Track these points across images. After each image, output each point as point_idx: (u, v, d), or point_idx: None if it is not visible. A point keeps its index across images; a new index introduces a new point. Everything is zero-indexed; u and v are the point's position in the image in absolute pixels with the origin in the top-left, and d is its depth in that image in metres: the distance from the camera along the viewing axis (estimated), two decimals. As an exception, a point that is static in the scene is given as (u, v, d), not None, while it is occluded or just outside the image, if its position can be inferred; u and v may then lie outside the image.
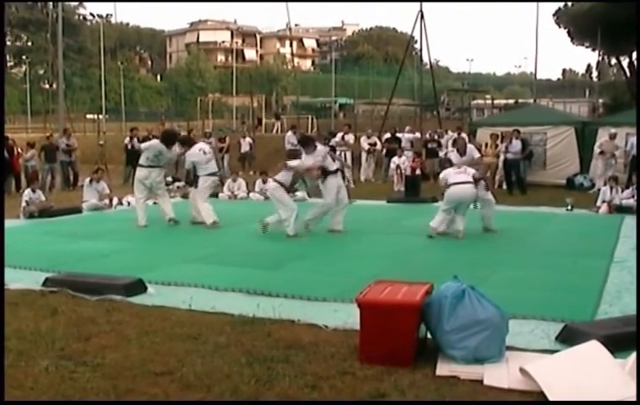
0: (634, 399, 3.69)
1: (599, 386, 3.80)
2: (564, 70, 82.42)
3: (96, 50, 57.05)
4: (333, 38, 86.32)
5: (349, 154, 19.58)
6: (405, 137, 20.86)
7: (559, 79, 76.32)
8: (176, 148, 11.48)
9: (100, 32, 55.16)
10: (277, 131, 38.06)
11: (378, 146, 20.75)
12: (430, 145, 19.92)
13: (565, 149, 17.87)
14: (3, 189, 11.92)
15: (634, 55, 36.77)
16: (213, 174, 11.11)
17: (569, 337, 4.78)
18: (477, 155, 10.85)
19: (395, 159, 18.46)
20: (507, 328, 4.63)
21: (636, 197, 12.54)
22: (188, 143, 11.71)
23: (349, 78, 61.69)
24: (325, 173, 9.97)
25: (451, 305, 4.46)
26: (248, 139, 23.42)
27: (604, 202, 12.72)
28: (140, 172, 11.21)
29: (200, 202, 10.98)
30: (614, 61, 43.14)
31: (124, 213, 13.15)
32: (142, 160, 11.23)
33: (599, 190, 14.09)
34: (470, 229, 9.76)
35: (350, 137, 20.21)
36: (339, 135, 19.99)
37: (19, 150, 18.19)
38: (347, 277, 7.06)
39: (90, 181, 13.73)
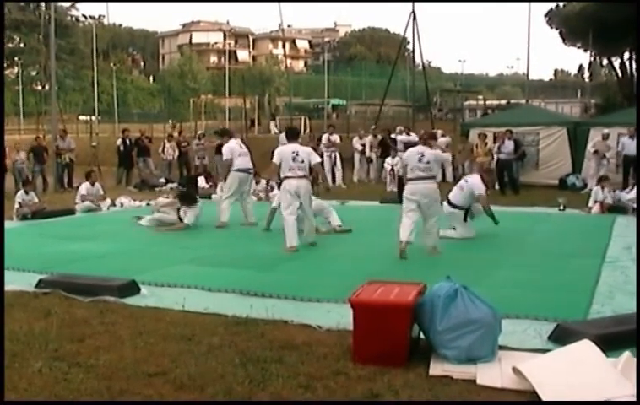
0: (627, 397, 3.72)
1: (592, 385, 3.81)
2: (556, 71, 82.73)
3: (89, 51, 56.81)
4: (326, 39, 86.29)
5: (337, 155, 19.56)
6: (399, 138, 20.85)
7: (551, 80, 76.52)
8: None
9: (92, 33, 54.94)
10: (277, 130, 38.18)
11: (367, 147, 20.71)
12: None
13: (557, 150, 17.95)
14: (3, 190, 11.90)
15: (626, 55, 36.92)
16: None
17: (561, 336, 4.80)
18: None
19: (389, 160, 18.47)
20: (500, 328, 4.65)
21: (634, 194, 12.63)
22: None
23: (341, 78, 61.65)
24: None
25: (444, 305, 4.48)
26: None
27: (596, 202, 12.79)
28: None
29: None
30: (606, 61, 43.28)
31: (117, 215, 13.13)
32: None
33: (591, 190, 14.16)
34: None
35: (336, 138, 20.17)
36: (325, 136, 19.93)
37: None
38: (340, 277, 7.08)
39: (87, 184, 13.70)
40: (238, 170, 11.08)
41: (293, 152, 9.05)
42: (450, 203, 9.84)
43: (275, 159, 9.09)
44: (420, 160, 8.49)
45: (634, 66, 36.20)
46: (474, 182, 9.93)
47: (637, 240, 8.82)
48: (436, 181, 8.70)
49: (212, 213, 11.35)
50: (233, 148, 11.17)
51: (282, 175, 9.10)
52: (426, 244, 8.59)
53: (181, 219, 10.95)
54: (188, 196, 11.50)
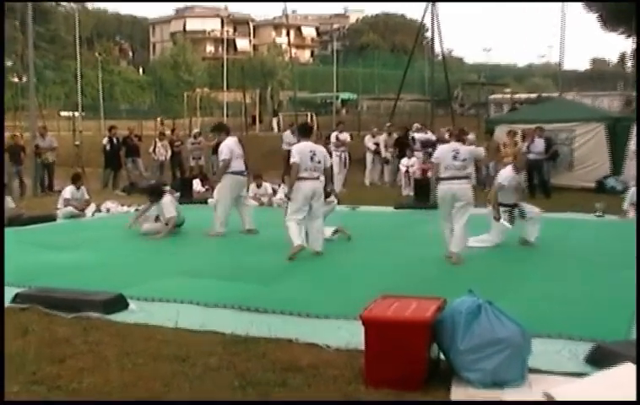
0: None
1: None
2: (593, 59, 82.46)
3: (71, 39, 57.14)
4: (335, 26, 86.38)
5: (347, 155, 19.56)
6: (416, 136, 20.82)
7: (587, 70, 76.25)
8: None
9: (75, 19, 55.27)
10: (278, 128, 38.34)
11: (382, 147, 20.69)
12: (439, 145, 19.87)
13: (594, 148, 17.87)
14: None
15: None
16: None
17: (600, 358, 4.77)
18: None
19: (404, 161, 18.45)
20: (530, 348, 4.64)
21: None
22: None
23: (352, 70, 61.85)
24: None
25: (466, 322, 4.47)
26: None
27: (632, 204, 12.73)
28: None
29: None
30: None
31: (103, 221, 13.18)
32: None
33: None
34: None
35: (346, 136, 20.16)
36: (334, 135, 19.88)
37: None
38: (350, 291, 7.08)
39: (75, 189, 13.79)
40: (234, 173, 11.11)
41: (310, 151, 9.23)
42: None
43: (296, 158, 9.17)
44: (455, 158, 8.77)
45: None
46: (501, 173, 10.05)
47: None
48: (471, 182, 8.94)
49: (209, 220, 11.36)
50: (233, 147, 11.20)
51: (298, 176, 9.22)
52: (450, 248, 8.72)
53: (159, 219, 11.11)
54: (154, 189, 11.59)
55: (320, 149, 9.48)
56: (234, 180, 11.09)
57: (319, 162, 9.24)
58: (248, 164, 11.66)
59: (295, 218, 9.10)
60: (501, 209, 9.76)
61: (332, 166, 12.68)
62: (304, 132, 9.88)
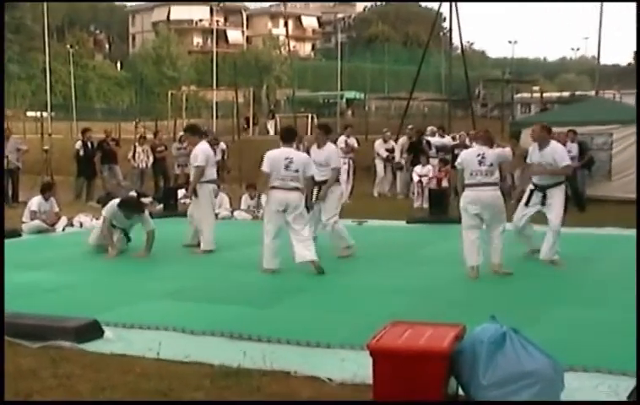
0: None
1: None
2: (637, 52, 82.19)
3: (39, 29, 57.23)
4: (339, 15, 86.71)
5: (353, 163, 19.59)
6: (432, 140, 20.81)
7: (630, 65, 76.02)
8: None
9: (43, 6, 55.41)
10: (275, 131, 38.34)
11: (397, 153, 20.69)
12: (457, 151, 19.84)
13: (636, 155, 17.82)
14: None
15: None
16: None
17: (644, 395, 4.75)
18: None
19: (417, 169, 18.42)
20: (562, 383, 4.63)
21: None
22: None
23: (358, 66, 61.96)
24: None
25: (488, 353, 4.47)
26: (222, 144, 23.04)
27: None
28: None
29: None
30: None
31: (75, 237, 13.16)
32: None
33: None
34: (512, 255, 9.80)
35: (354, 141, 20.12)
36: (342, 139, 19.82)
37: None
38: (356, 317, 7.09)
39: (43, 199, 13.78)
40: (209, 182, 11.26)
41: (286, 158, 9.33)
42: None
43: (266, 167, 9.34)
44: (480, 163, 9.02)
45: None
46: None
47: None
48: (499, 188, 9.20)
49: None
50: (209, 153, 11.27)
51: (269, 185, 9.37)
52: (491, 260, 9.04)
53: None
54: (136, 205, 11.56)
55: (299, 156, 9.60)
56: (210, 189, 11.27)
57: (296, 171, 9.31)
58: (241, 173, 11.78)
59: (268, 231, 9.37)
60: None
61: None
62: (286, 136, 9.97)
